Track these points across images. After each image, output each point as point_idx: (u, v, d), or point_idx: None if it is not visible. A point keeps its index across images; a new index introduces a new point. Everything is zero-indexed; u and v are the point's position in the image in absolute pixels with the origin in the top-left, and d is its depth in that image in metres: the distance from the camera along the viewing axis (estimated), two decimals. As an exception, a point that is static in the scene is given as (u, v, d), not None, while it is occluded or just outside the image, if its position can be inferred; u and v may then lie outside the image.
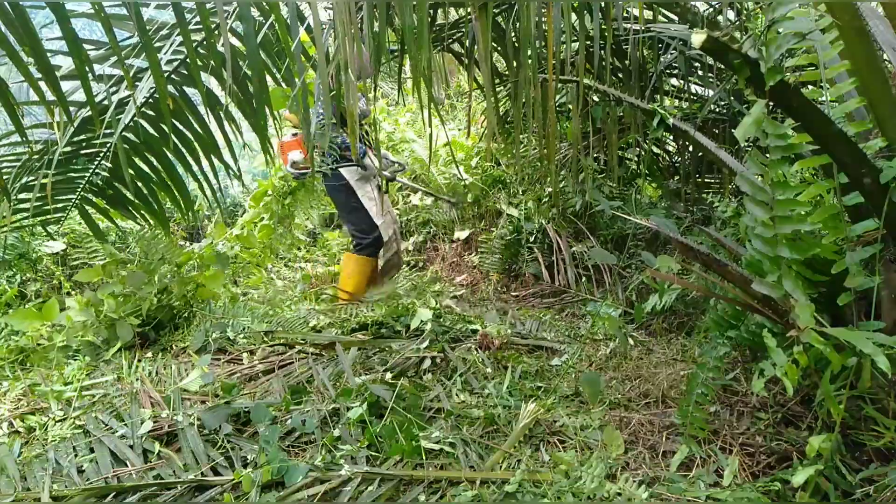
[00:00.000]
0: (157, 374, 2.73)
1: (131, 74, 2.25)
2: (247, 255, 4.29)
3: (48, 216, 2.65)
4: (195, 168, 2.66)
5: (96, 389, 2.55)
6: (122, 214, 2.85)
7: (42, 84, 1.71)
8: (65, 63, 2.14)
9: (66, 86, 2.39)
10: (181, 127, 2.56)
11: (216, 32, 1.93)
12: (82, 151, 2.52)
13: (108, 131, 2.35)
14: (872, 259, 1.54)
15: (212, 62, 2.26)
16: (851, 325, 1.64)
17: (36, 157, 2.38)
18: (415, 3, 1.55)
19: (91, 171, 2.54)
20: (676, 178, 4.02)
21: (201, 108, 2.56)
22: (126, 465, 1.99)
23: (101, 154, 2.53)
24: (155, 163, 2.64)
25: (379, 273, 3.67)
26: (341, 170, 3.47)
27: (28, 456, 2.06)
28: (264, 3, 2.19)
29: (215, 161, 2.68)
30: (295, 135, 3.55)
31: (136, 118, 2.43)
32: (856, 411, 1.69)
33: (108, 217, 2.90)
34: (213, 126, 2.56)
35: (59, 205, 2.63)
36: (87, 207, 2.72)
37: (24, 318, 2.79)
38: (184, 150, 2.61)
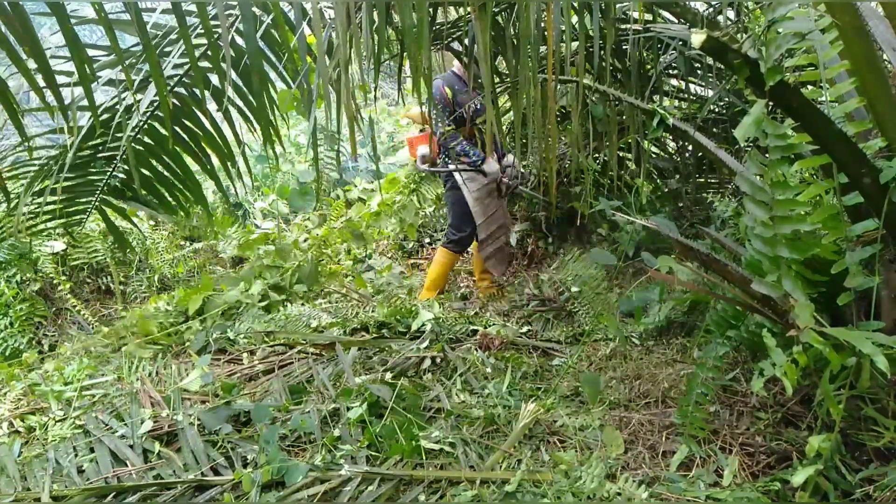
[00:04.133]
0: (157, 374, 2.73)
1: (143, 77, 2.26)
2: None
3: (69, 219, 2.68)
4: (206, 167, 2.69)
5: (96, 389, 2.55)
6: (139, 214, 2.90)
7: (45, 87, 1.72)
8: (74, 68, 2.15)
9: (79, 90, 2.41)
10: (194, 128, 2.57)
11: (218, 33, 1.93)
12: (99, 155, 2.54)
13: (122, 134, 2.38)
14: (872, 259, 1.54)
15: (215, 63, 2.26)
16: (851, 325, 1.64)
17: (54, 160, 2.41)
18: (414, 2, 1.55)
19: (108, 174, 2.56)
20: (676, 177, 4.01)
21: (211, 107, 2.57)
22: (126, 465, 1.99)
23: (118, 157, 2.55)
24: (171, 163, 2.67)
25: (487, 266, 3.76)
26: (451, 166, 3.61)
27: (28, 456, 2.06)
28: (269, 3, 2.19)
29: (224, 162, 2.70)
30: (422, 131, 3.70)
31: (149, 120, 2.45)
32: (856, 411, 1.69)
33: (127, 217, 2.95)
34: (225, 128, 2.58)
35: (79, 207, 2.67)
36: (105, 209, 2.76)
37: (190, 296, 3.31)
38: (196, 150, 2.62)
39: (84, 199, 2.65)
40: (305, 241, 4.17)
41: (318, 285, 3.82)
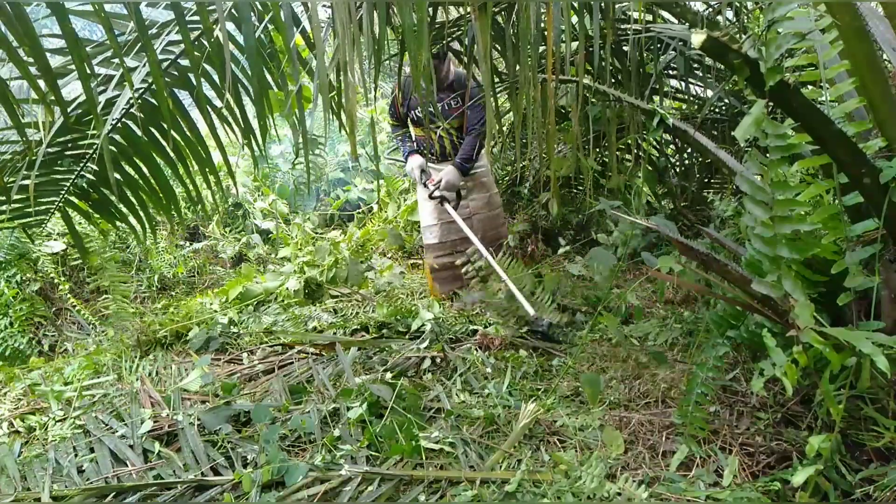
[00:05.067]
0: (157, 374, 2.73)
1: (120, 74, 2.22)
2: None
3: (29, 219, 2.59)
4: (184, 170, 2.62)
5: (96, 389, 2.55)
6: (106, 219, 2.78)
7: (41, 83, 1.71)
8: (53, 60, 2.12)
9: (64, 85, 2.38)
10: (171, 130, 2.53)
11: (215, 30, 1.93)
12: (67, 153, 2.47)
13: (93, 132, 2.32)
14: (872, 259, 1.54)
15: (207, 65, 2.25)
16: (851, 325, 1.64)
17: (18, 157, 2.34)
18: (414, 2, 1.55)
19: (76, 173, 2.49)
20: (674, 176, 4.02)
21: (192, 111, 2.53)
22: (126, 465, 1.99)
23: (88, 156, 2.47)
24: (142, 167, 2.59)
25: (433, 279, 3.60)
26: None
27: (28, 456, 2.06)
28: (257, 4, 2.18)
29: (204, 168, 2.64)
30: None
31: (123, 119, 2.39)
32: (856, 411, 1.69)
33: (91, 220, 2.85)
34: (204, 128, 2.54)
35: (41, 207, 2.57)
36: (69, 210, 2.67)
37: (235, 285, 3.70)
38: (173, 153, 2.57)
39: (47, 200, 2.55)
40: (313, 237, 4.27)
41: (363, 283, 3.92)
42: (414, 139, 3.52)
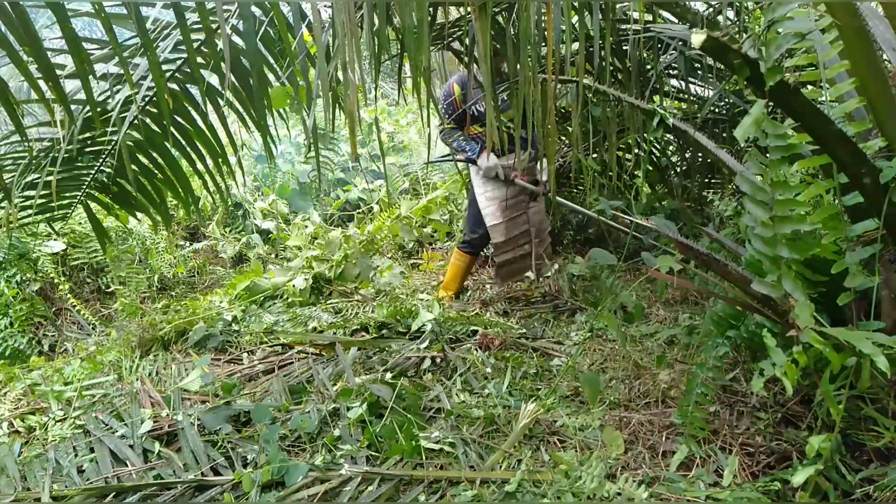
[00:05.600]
0: (158, 374, 2.73)
1: (137, 73, 2.25)
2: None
3: (53, 213, 2.65)
4: (199, 166, 2.66)
5: (96, 389, 2.55)
6: (125, 212, 2.85)
7: (43, 83, 1.71)
8: (68, 62, 2.14)
9: (71, 84, 2.40)
10: (185, 124, 2.56)
11: (217, 31, 1.93)
12: (87, 149, 2.52)
13: (114, 129, 2.36)
14: (872, 259, 1.54)
15: (213, 61, 2.26)
16: (851, 325, 1.64)
17: (42, 154, 2.39)
18: (414, 2, 1.55)
19: (96, 168, 2.54)
20: (673, 175, 4.02)
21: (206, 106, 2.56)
22: (126, 465, 1.99)
23: (107, 152, 2.53)
24: (159, 160, 2.64)
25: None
26: (468, 166, 3.46)
27: (28, 456, 2.06)
28: (266, 2, 2.18)
29: (217, 160, 2.68)
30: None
31: (140, 116, 2.43)
32: (856, 411, 1.69)
33: (112, 213, 2.91)
34: (217, 124, 2.57)
35: (64, 202, 2.64)
36: (91, 205, 2.73)
37: (243, 279, 3.74)
38: (188, 147, 2.60)
39: (69, 194, 2.61)
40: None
41: (364, 284, 3.90)
42: (472, 137, 3.41)
